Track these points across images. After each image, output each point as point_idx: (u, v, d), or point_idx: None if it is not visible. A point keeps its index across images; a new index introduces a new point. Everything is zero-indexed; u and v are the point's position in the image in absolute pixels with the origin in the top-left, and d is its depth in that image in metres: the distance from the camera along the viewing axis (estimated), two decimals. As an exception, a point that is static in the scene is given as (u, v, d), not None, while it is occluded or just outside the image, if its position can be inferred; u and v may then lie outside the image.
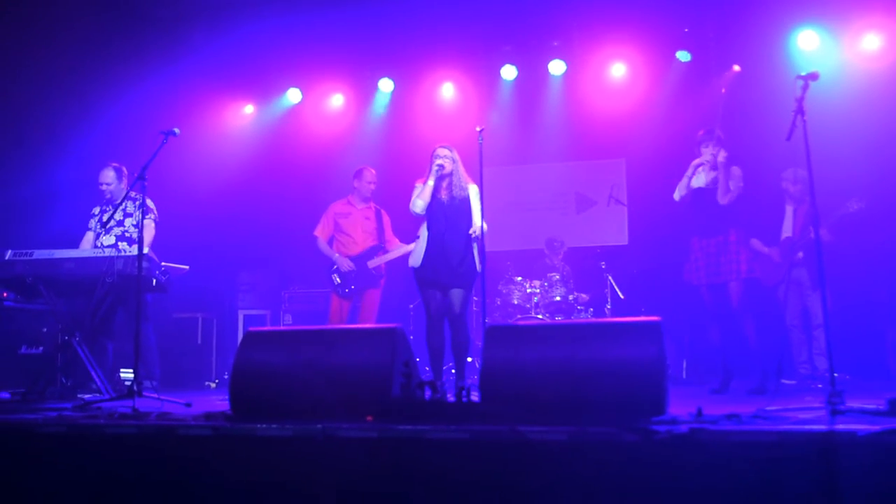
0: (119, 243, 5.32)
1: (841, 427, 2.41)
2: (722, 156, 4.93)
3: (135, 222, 5.55)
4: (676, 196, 5.19)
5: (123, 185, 5.49)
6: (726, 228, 4.97)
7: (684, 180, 5.15)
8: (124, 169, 5.55)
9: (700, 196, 5.07)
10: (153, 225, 5.42)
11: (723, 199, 4.92)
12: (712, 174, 5.00)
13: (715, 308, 5.07)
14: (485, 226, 4.90)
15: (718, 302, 5.04)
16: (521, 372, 2.98)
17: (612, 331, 3.01)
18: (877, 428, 2.33)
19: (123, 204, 4.72)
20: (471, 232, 4.86)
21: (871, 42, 6.81)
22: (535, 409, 2.85)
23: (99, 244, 5.36)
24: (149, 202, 5.46)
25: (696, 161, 5.11)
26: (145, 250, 5.42)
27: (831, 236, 5.51)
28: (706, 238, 5.04)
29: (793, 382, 5.49)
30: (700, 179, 5.09)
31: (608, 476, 2.49)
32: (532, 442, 2.61)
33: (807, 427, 2.44)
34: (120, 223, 5.41)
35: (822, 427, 2.43)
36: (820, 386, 5.22)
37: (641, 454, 2.47)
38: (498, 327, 3.21)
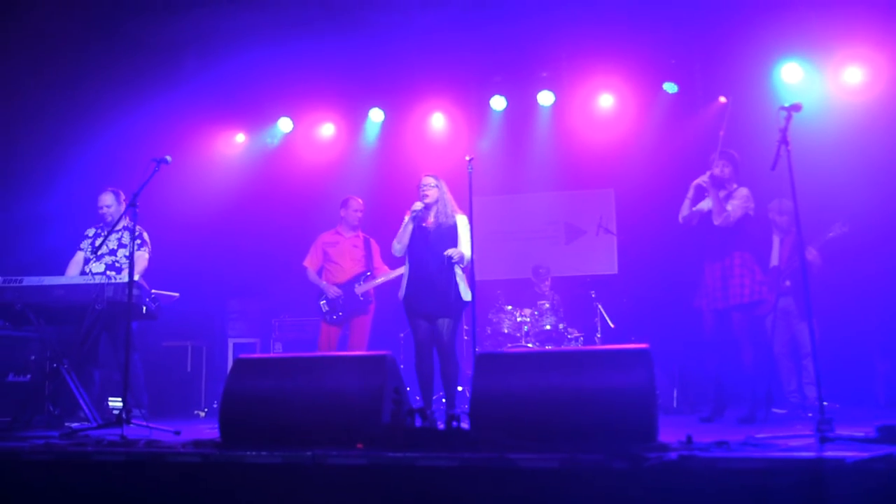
0: (108, 272, 5.30)
1: (830, 454, 2.43)
2: (705, 176, 4.90)
3: (128, 253, 5.54)
4: (680, 218, 5.13)
5: (122, 209, 5.51)
6: (731, 251, 4.89)
7: (686, 202, 5.10)
8: (122, 193, 5.57)
9: (706, 220, 5.01)
10: (147, 256, 5.44)
11: (716, 220, 4.86)
12: (710, 192, 4.94)
13: (716, 334, 4.99)
14: (468, 254, 4.90)
15: (721, 328, 4.96)
16: (510, 399, 2.99)
17: (602, 358, 3.03)
18: (865, 455, 2.35)
19: (120, 233, 4.72)
20: (446, 253, 4.84)
21: (853, 75, 6.94)
22: (525, 436, 2.86)
23: (87, 270, 5.35)
24: (145, 235, 5.51)
25: (696, 181, 5.04)
26: (136, 278, 5.44)
27: (820, 258, 5.55)
28: (713, 262, 4.97)
29: (783, 411, 5.50)
30: (708, 203, 5.04)
31: (598, 503, 2.49)
32: (522, 469, 2.61)
33: (796, 454, 2.46)
34: (112, 252, 5.41)
35: (811, 454, 2.45)
36: (810, 415, 5.22)
37: (631, 481, 2.47)
38: (487, 355, 3.22)
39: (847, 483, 2.30)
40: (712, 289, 4.95)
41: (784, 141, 3.52)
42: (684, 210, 5.11)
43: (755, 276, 4.90)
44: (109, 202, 5.48)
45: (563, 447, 2.72)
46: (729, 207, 4.87)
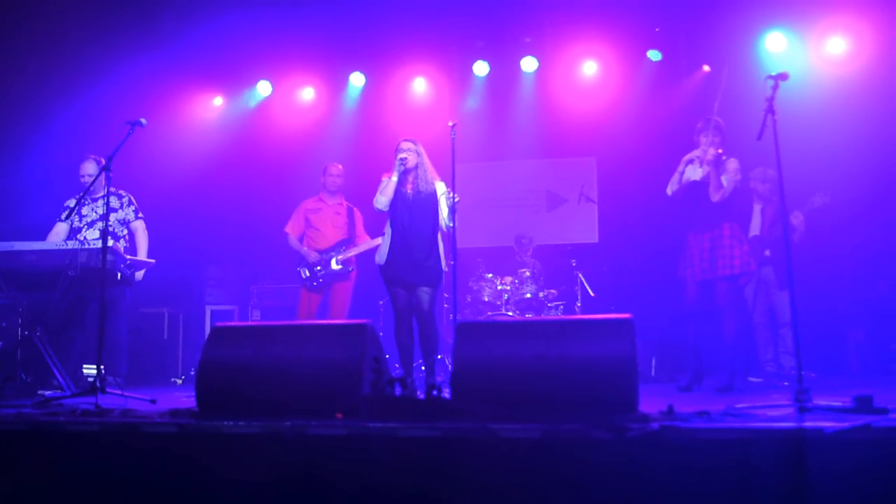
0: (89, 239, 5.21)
1: (809, 424, 2.44)
2: (711, 153, 4.82)
3: (121, 217, 5.49)
4: (669, 191, 5.07)
5: (102, 178, 5.43)
6: (720, 223, 4.85)
7: (675, 175, 5.03)
8: (103, 160, 5.46)
9: (693, 190, 4.95)
10: (144, 225, 5.50)
11: (714, 197, 4.81)
12: (707, 168, 4.88)
13: (699, 304, 4.96)
14: (451, 222, 4.84)
15: (704, 298, 4.93)
16: (492, 369, 2.97)
17: (584, 328, 3.01)
18: (845, 425, 2.36)
19: (102, 199, 4.62)
20: (444, 193, 4.84)
21: (836, 45, 6.92)
22: (506, 406, 2.84)
23: (83, 238, 5.27)
24: (134, 202, 5.48)
25: (688, 156, 4.98)
26: (142, 252, 5.40)
27: (804, 223, 5.56)
28: (700, 233, 4.92)
29: (759, 380, 5.55)
30: (695, 173, 4.98)
31: (580, 474, 2.48)
32: (504, 439, 2.60)
33: (776, 424, 2.46)
34: (103, 217, 5.30)
35: (791, 424, 2.45)
36: (786, 384, 5.28)
37: (613, 452, 2.47)
38: (469, 324, 3.19)
39: (826, 452, 2.31)
40: (699, 259, 4.90)
41: (770, 110, 3.49)
42: (673, 184, 5.03)
43: (744, 246, 4.88)
44: (91, 171, 5.38)
45: (544, 417, 2.71)
46: (723, 181, 4.82)
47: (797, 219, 5.53)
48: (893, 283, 6.49)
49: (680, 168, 5.03)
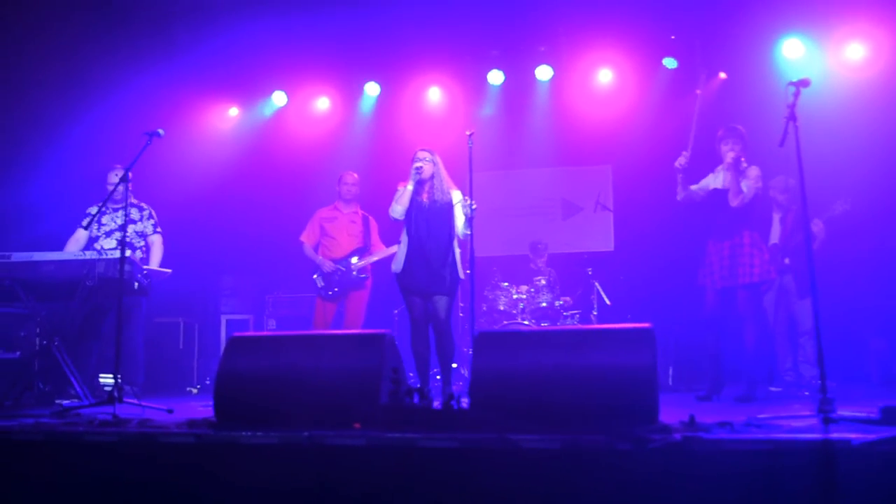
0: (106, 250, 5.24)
1: (835, 436, 2.39)
2: (729, 157, 4.79)
3: (139, 230, 5.57)
4: (679, 197, 5.03)
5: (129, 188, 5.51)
6: (740, 231, 4.81)
7: (679, 185, 4.98)
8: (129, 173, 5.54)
9: (715, 198, 4.93)
10: (161, 240, 5.52)
11: (733, 202, 4.77)
12: (728, 175, 4.85)
13: (719, 312, 4.91)
14: (467, 230, 4.83)
15: (725, 306, 4.88)
16: (511, 379, 2.94)
17: (605, 337, 2.98)
18: (872, 437, 2.31)
19: (124, 209, 4.61)
20: (460, 202, 4.83)
21: (855, 51, 6.86)
22: (525, 416, 2.81)
23: (99, 248, 5.30)
24: (155, 215, 5.59)
25: (676, 163, 4.92)
26: (154, 266, 5.43)
27: (825, 230, 5.50)
28: (720, 241, 4.88)
29: (779, 389, 5.49)
30: (716, 181, 4.96)
31: (601, 485, 2.45)
32: (524, 450, 2.57)
33: (801, 436, 2.42)
34: (121, 228, 5.34)
35: (817, 436, 2.41)
36: (807, 393, 5.21)
37: (635, 463, 2.43)
38: (488, 333, 3.17)
39: (853, 464, 2.27)
40: (719, 267, 4.86)
41: (792, 117, 3.45)
42: (680, 192, 5.00)
43: (764, 255, 4.84)
44: (116, 180, 5.38)
45: (563, 427, 2.68)
46: (743, 187, 4.78)
47: (817, 226, 5.47)
48: (914, 291, 6.40)
49: (679, 177, 4.97)
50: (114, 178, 5.47)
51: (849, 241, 6.10)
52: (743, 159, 4.86)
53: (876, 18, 6.68)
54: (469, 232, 4.84)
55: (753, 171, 4.83)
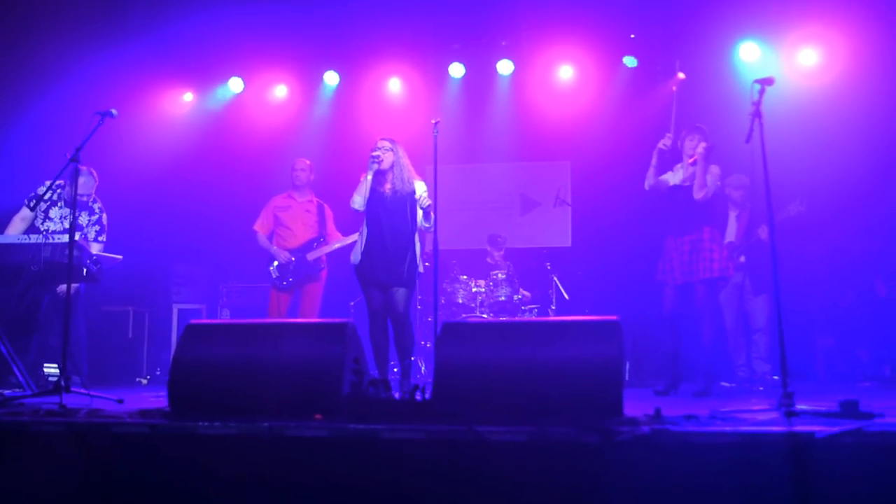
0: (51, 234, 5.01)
1: (799, 428, 2.42)
2: (701, 147, 4.82)
3: (95, 231, 5.37)
4: (646, 185, 5.05)
5: (93, 182, 5.43)
6: (700, 227, 4.85)
7: (651, 169, 5.00)
8: (94, 173, 5.45)
9: (675, 194, 4.96)
10: (100, 247, 5.32)
11: (698, 194, 4.80)
12: (690, 170, 4.88)
13: (677, 308, 4.95)
14: (427, 223, 4.79)
15: (683, 302, 4.92)
16: (477, 371, 2.90)
17: (571, 330, 2.96)
18: (835, 429, 2.34)
19: (74, 186, 4.34)
20: (417, 196, 4.76)
21: (808, 57, 7.00)
22: (491, 408, 2.78)
23: (45, 229, 5.11)
24: (104, 218, 5.40)
25: (660, 144, 4.94)
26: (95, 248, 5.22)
27: (769, 236, 5.60)
28: (680, 236, 4.92)
29: (732, 385, 5.58)
30: (677, 177, 5.00)
31: (568, 477, 2.43)
32: (490, 442, 2.54)
33: (766, 428, 2.44)
34: (69, 206, 5.10)
35: (782, 428, 2.43)
36: (761, 388, 5.31)
37: (602, 455, 2.42)
38: (454, 324, 3.12)
39: (818, 456, 2.29)
40: (678, 262, 4.90)
41: (757, 114, 3.49)
42: (650, 178, 5.01)
43: (723, 251, 4.91)
44: (81, 182, 5.07)
45: (529, 420, 2.65)
46: (708, 180, 4.83)
47: (764, 232, 5.55)
48: (861, 291, 6.58)
49: (653, 161, 4.99)
50: (82, 179, 5.25)
51: (800, 242, 6.23)
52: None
53: (829, 24, 6.82)
54: (429, 225, 4.80)
55: (714, 169, 4.90)
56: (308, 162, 6.12)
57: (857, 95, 6.61)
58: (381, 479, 2.56)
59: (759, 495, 2.25)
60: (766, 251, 5.51)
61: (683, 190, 4.89)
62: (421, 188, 4.88)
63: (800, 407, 3.01)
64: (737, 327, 5.83)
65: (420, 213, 4.83)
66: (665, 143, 4.90)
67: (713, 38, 7.13)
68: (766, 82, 3.58)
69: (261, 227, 6.04)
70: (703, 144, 4.84)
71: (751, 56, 7.07)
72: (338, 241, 5.96)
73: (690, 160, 4.91)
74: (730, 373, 5.79)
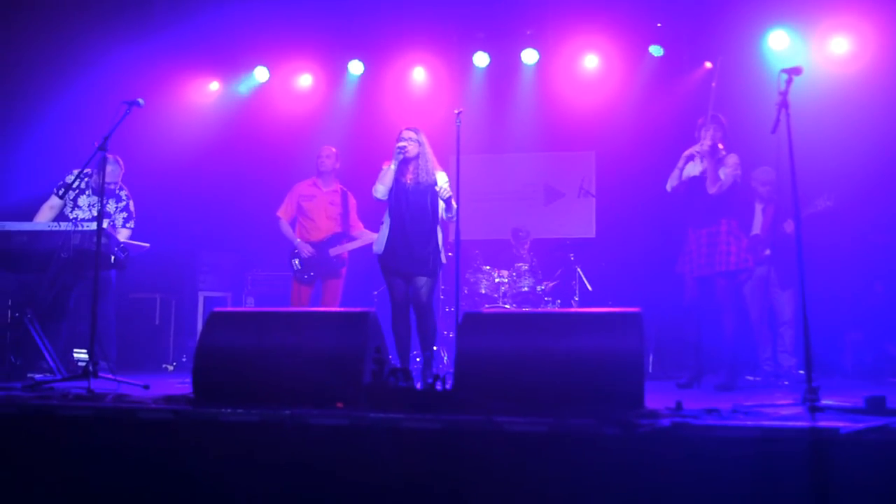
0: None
1: (823, 424, 2.39)
2: (706, 144, 4.79)
3: (122, 218, 5.42)
4: (668, 187, 5.04)
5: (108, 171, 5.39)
6: (717, 219, 4.82)
7: (675, 171, 5.00)
8: (120, 161, 5.48)
9: (693, 185, 4.93)
10: (128, 233, 5.36)
11: (711, 189, 4.78)
12: (705, 162, 4.85)
13: (698, 301, 4.92)
14: (450, 214, 4.79)
15: (704, 294, 4.90)
16: (497, 361, 2.91)
17: (592, 321, 2.96)
18: (860, 426, 2.31)
19: (102, 174, 4.40)
20: (437, 188, 4.75)
21: (839, 45, 6.87)
22: (511, 399, 2.78)
23: (74, 217, 5.19)
24: (131, 205, 5.44)
25: (688, 151, 4.94)
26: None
27: (795, 232, 5.53)
28: (698, 229, 4.89)
29: (757, 379, 5.52)
30: (695, 169, 4.96)
31: (588, 470, 2.43)
32: (509, 433, 2.54)
33: (789, 423, 2.42)
34: (98, 194, 5.18)
35: (805, 424, 2.41)
36: (786, 383, 5.25)
37: (623, 447, 2.42)
38: (475, 314, 3.13)
39: (841, 453, 2.27)
40: (696, 255, 4.88)
41: (784, 104, 3.44)
42: (673, 180, 5.01)
43: (741, 243, 4.86)
44: (109, 170, 5.11)
45: (548, 411, 2.65)
46: (721, 175, 4.78)
47: (790, 227, 5.48)
48: (890, 285, 6.47)
49: (680, 164, 5.00)
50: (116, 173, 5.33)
51: (828, 236, 6.14)
52: (721, 147, 4.87)
53: (860, 13, 6.69)
54: (451, 215, 4.80)
55: (732, 159, 4.85)
56: (334, 149, 6.12)
57: (887, 85, 6.48)
58: (400, 468, 2.58)
59: (781, 491, 2.23)
60: (793, 244, 5.43)
61: (702, 181, 4.85)
62: (443, 179, 4.87)
63: (825, 402, 2.98)
64: (762, 320, 5.76)
65: (441, 203, 4.83)
66: (702, 150, 4.84)
67: (742, 27, 7.02)
68: (794, 72, 3.52)
69: (284, 213, 6.06)
70: (707, 141, 4.81)
71: (780, 45, 6.95)
72: (360, 238, 5.97)
73: (702, 155, 4.86)
74: (755, 366, 5.72)
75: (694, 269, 4.89)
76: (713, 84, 4.93)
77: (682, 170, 4.95)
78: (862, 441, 2.27)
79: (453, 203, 4.76)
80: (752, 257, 4.98)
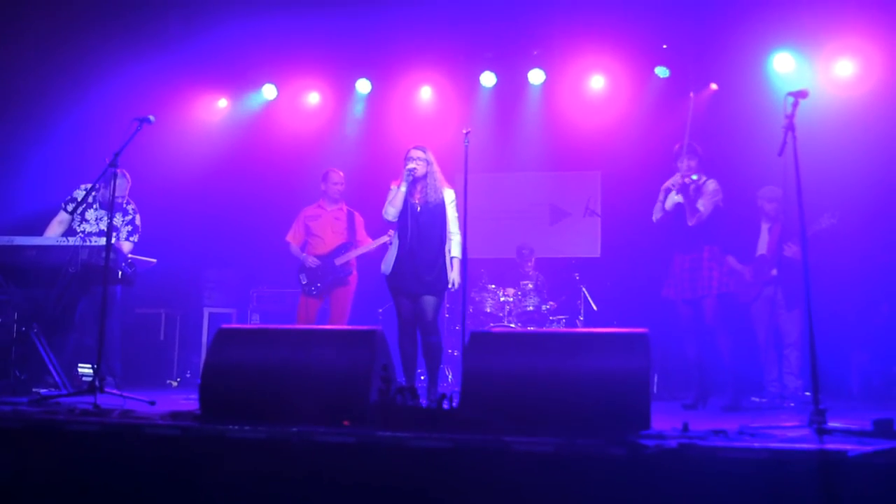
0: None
1: (831, 447, 2.38)
2: (677, 181, 4.95)
3: (128, 231, 5.42)
4: (654, 218, 5.23)
5: (127, 185, 5.47)
6: (700, 245, 5.00)
7: (658, 204, 5.19)
8: (127, 175, 5.49)
9: (677, 213, 5.08)
10: (131, 246, 5.35)
11: (690, 221, 4.96)
12: (680, 197, 5.02)
13: (690, 323, 5.09)
14: (457, 237, 4.83)
15: (694, 317, 5.06)
16: (504, 380, 2.91)
17: (599, 341, 2.96)
18: (867, 448, 2.30)
19: (112, 191, 4.42)
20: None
21: (844, 68, 6.90)
22: (518, 418, 2.78)
23: (82, 231, 5.20)
24: (137, 219, 5.44)
25: (666, 184, 5.11)
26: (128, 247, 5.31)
27: (800, 252, 5.55)
28: (683, 254, 5.08)
29: (763, 401, 5.50)
30: (678, 196, 5.08)
31: (594, 490, 2.42)
32: (516, 453, 2.54)
33: (797, 446, 2.41)
34: (107, 207, 5.19)
35: (813, 446, 2.40)
36: (792, 405, 5.23)
37: (629, 468, 2.41)
38: (481, 333, 3.13)
39: (849, 476, 2.26)
40: (680, 279, 5.06)
41: (790, 127, 3.46)
42: (657, 213, 5.20)
43: (723, 268, 5.06)
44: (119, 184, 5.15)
45: (555, 430, 2.65)
46: (700, 206, 4.94)
47: (789, 251, 5.52)
48: (897, 306, 6.45)
49: (661, 197, 5.17)
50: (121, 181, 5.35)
51: (834, 255, 6.13)
52: (696, 177, 5.00)
53: (866, 35, 6.73)
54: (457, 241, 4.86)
55: (710, 186, 5.00)
56: (342, 174, 6.16)
57: (893, 107, 6.50)
58: (407, 486, 2.57)
59: (789, 513, 2.22)
60: (799, 265, 5.44)
61: (683, 209, 4.99)
62: (450, 196, 4.89)
63: (832, 424, 2.97)
64: (768, 341, 5.74)
65: (454, 218, 4.87)
66: (675, 181, 4.98)
67: (747, 49, 7.07)
68: (800, 95, 3.54)
69: (293, 237, 6.09)
70: (677, 176, 4.98)
71: (785, 67, 6.98)
72: (364, 246, 5.99)
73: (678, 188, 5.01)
74: (760, 388, 5.70)
75: (679, 293, 5.07)
76: (689, 116, 5.04)
77: (663, 202, 5.08)
78: (870, 464, 2.26)
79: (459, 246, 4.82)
80: (733, 281, 5.17)
